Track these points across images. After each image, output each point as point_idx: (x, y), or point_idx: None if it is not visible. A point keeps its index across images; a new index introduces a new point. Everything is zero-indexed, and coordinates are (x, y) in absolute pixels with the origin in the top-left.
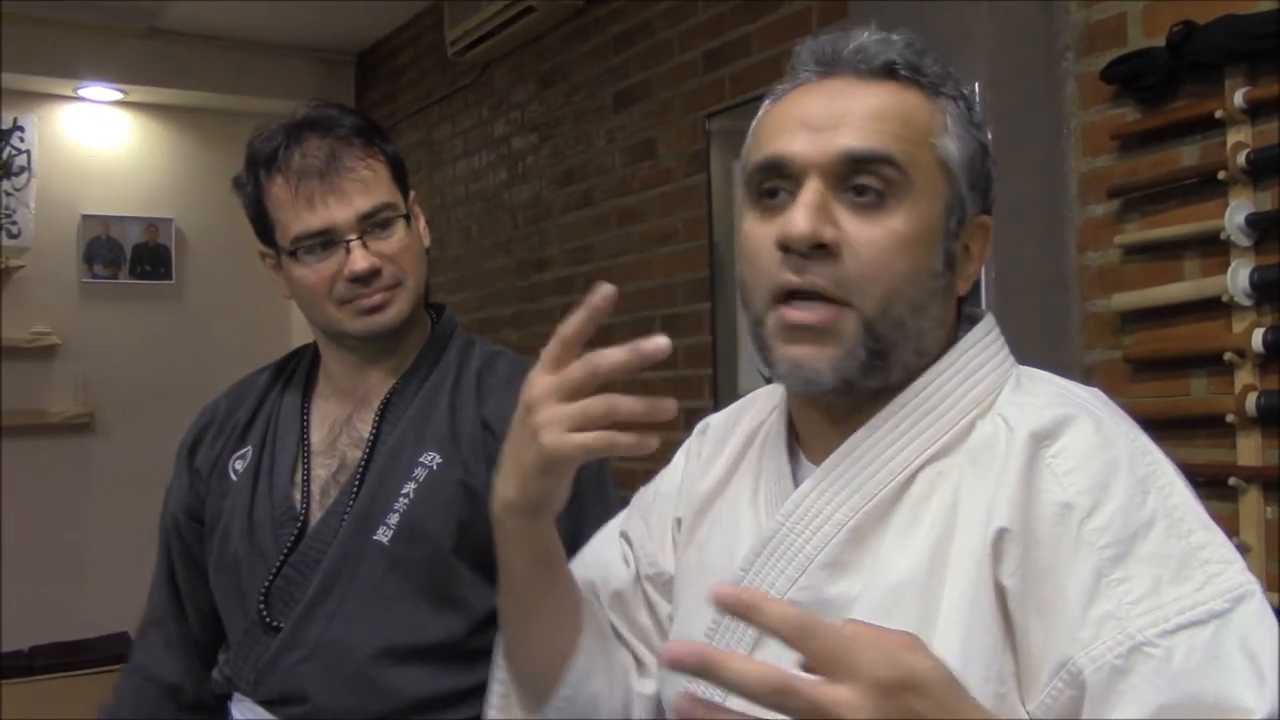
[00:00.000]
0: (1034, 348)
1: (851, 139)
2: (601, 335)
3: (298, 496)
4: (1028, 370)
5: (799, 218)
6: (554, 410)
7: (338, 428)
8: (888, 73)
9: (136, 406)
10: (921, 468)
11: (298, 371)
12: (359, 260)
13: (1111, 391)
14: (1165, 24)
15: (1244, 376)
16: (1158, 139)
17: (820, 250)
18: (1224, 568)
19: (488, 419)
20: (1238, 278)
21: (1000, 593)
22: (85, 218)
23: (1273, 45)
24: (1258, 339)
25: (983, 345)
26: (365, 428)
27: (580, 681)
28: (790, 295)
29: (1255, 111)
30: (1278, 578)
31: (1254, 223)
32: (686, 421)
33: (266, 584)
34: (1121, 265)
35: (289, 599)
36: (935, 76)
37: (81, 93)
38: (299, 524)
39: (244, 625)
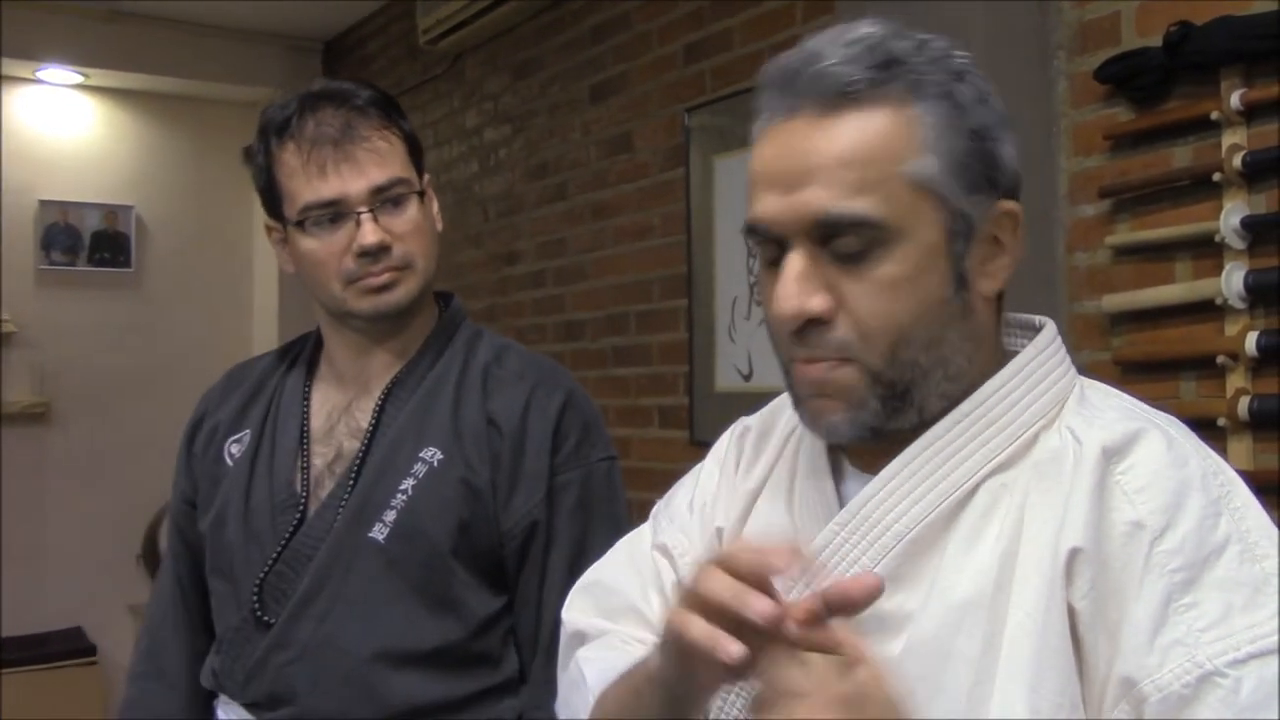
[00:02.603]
0: None
1: (820, 198)
2: (575, 330)
3: (299, 484)
4: (1090, 382)
5: (782, 298)
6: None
7: (336, 415)
8: (850, 96)
9: (94, 396)
10: (984, 479)
11: (301, 355)
12: (369, 234)
13: None
14: (1159, 24)
15: (1236, 380)
16: (1151, 140)
17: (814, 323)
18: None
19: (494, 415)
20: (1232, 280)
21: (1072, 616)
22: (43, 203)
23: (1270, 46)
24: (1251, 342)
25: (1047, 354)
26: (364, 417)
27: None
28: None
29: (1251, 113)
30: None
31: (1249, 225)
32: (661, 419)
33: (261, 576)
34: (1111, 266)
35: (282, 594)
36: (910, 76)
37: (41, 75)
38: (299, 512)
39: (236, 618)
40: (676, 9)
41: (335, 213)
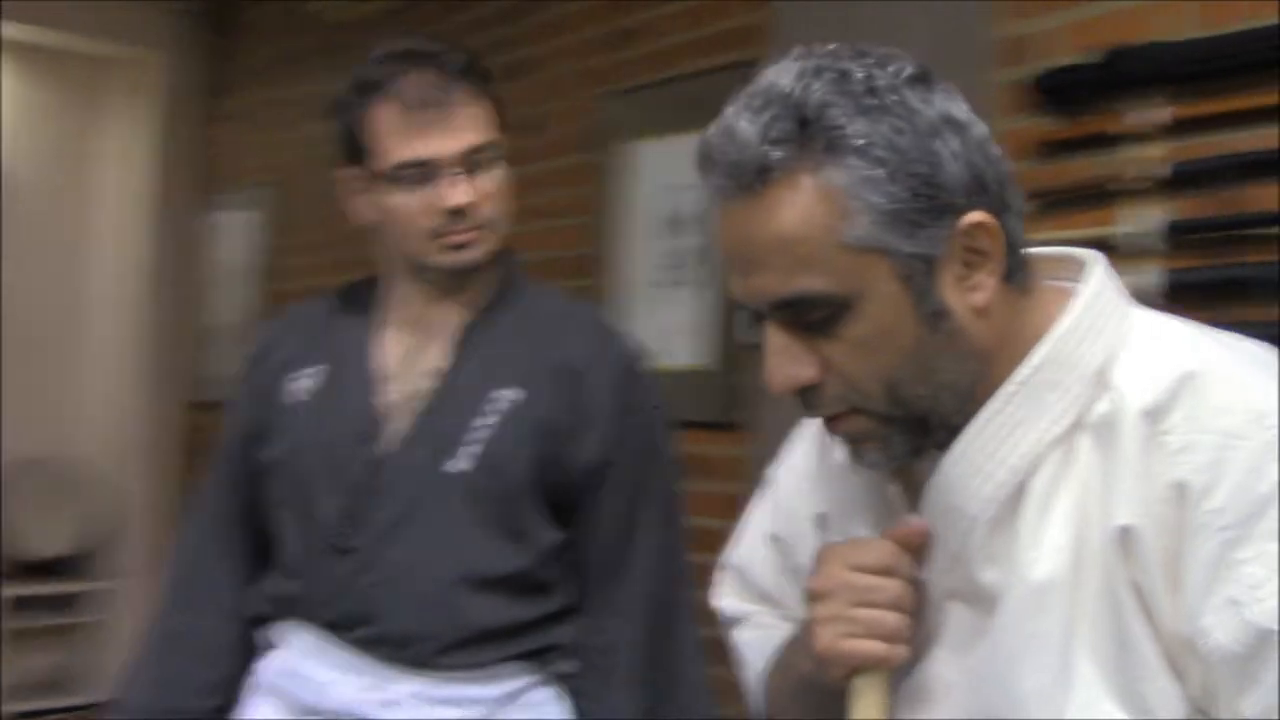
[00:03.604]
0: None
1: (769, 284)
2: None
3: (376, 418)
4: (1142, 318)
5: (769, 373)
6: (846, 611)
7: (407, 357)
8: (767, 175)
9: None
10: (1048, 449)
11: (363, 299)
12: (460, 195)
13: None
14: (1092, 42)
15: None
16: (1077, 149)
17: (808, 388)
18: None
19: (572, 362)
20: (1143, 282)
21: (1137, 590)
22: None
23: (1194, 70)
24: None
25: (1097, 303)
26: (437, 358)
27: None
28: None
29: (1174, 130)
30: None
31: (1169, 230)
32: None
33: (344, 504)
34: None
35: (364, 522)
36: (825, 135)
37: None
38: (378, 445)
39: (310, 545)
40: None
41: (427, 172)
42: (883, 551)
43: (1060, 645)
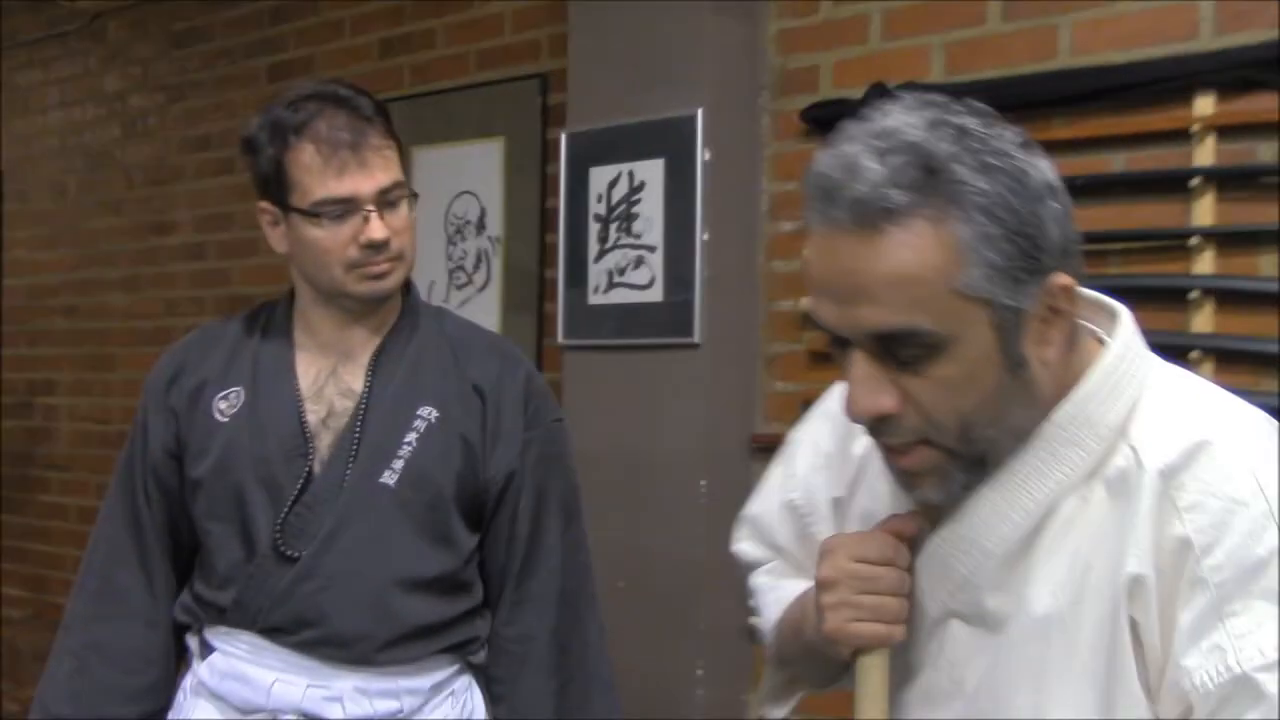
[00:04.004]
0: (729, 337)
1: (873, 317)
2: (242, 304)
3: (302, 435)
4: (1163, 377)
5: (852, 400)
6: (852, 598)
7: (323, 378)
8: (890, 214)
9: None
10: (1065, 494)
11: (273, 322)
12: (377, 230)
13: (791, 378)
14: (852, 80)
15: None
16: None
17: (885, 417)
18: None
19: (478, 384)
20: None
21: (1133, 626)
22: None
23: None
24: None
25: (1124, 359)
26: (353, 379)
27: None
28: None
29: None
30: None
31: None
32: None
33: (282, 516)
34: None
35: (301, 532)
36: (949, 186)
37: None
38: (308, 461)
39: (246, 555)
40: (371, 4)
41: (346, 209)
42: (883, 544)
43: (1058, 671)
